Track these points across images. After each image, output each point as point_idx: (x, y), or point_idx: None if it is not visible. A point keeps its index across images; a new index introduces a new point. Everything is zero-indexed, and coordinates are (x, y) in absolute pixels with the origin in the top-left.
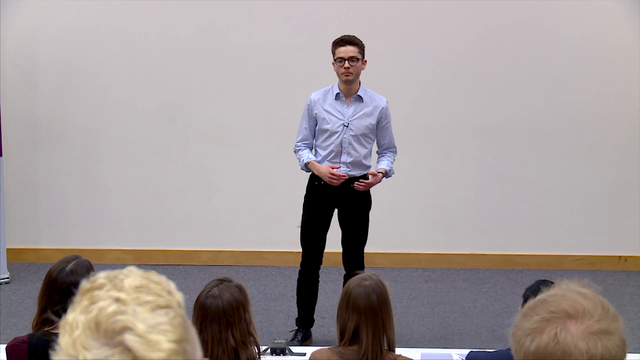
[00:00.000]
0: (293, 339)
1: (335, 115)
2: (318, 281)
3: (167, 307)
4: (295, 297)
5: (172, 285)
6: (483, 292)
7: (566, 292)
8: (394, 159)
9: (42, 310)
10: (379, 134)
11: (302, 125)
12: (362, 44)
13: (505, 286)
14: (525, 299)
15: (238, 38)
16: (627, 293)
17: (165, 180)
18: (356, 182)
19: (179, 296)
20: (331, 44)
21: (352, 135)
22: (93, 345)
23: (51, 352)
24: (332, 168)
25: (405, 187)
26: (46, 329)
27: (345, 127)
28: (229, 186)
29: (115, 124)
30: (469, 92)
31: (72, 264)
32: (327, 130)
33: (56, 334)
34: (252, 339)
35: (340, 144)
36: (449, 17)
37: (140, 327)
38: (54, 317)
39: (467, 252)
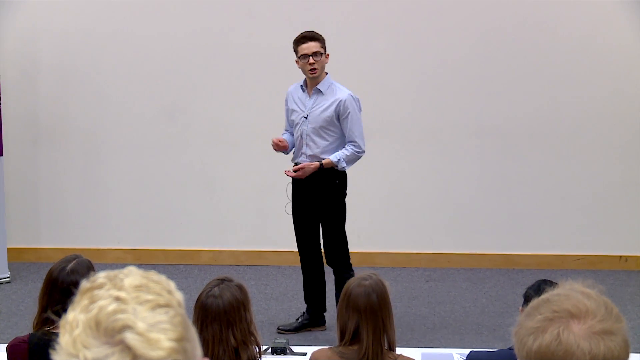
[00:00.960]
0: (298, 319)
1: (299, 106)
2: (322, 266)
3: (167, 306)
4: (299, 295)
5: (172, 285)
6: (484, 291)
7: (570, 292)
8: (351, 154)
9: (43, 309)
10: (342, 126)
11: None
12: (323, 39)
13: (506, 286)
14: (526, 298)
15: (238, 37)
16: (627, 293)
17: (165, 179)
18: (286, 171)
19: (178, 295)
20: (292, 42)
21: (310, 127)
22: (93, 344)
23: (51, 352)
24: (280, 141)
25: (405, 187)
26: (47, 328)
27: (304, 119)
28: (230, 186)
29: (115, 123)
30: (469, 91)
31: (72, 263)
32: (293, 120)
33: (57, 334)
34: (252, 338)
35: (301, 135)
36: (450, 17)
37: (141, 325)
38: (54, 317)
39: (468, 252)
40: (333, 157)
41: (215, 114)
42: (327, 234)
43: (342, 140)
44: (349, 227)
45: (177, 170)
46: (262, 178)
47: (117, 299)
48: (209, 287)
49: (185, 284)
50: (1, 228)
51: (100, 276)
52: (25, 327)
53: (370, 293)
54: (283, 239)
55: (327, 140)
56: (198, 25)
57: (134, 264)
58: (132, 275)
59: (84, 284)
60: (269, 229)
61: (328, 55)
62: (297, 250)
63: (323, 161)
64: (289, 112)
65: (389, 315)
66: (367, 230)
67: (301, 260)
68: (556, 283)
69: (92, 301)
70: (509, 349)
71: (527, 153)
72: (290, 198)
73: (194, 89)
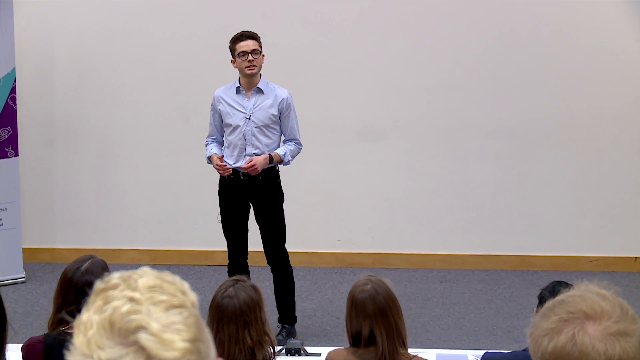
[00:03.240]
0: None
1: (237, 108)
2: (249, 272)
3: (181, 306)
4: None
5: (185, 285)
6: (498, 293)
7: (585, 293)
8: (295, 149)
9: (58, 309)
10: (282, 124)
11: (210, 121)
12: (260, 38)
13: (521, 287)
14: (541, 299)
15: None
16: None
17: (180, 180)
18: (241, 166)
19: (192, 296)
20: (229, 41)
21: (255, 127)
22: (107, 345)
23: (66, 352)
24: (219, 159)
25: (420, 188)
26: (62, 328)
27: (247, 120)
28: None
29: (131, 124)
30: (484, 93)
31: (87, 263)
32: (230, 124)
33: (72, 334)
34: (267, 338)
35: (244, 136)
36: (464, 18)
37: (154, 326)
38: (68, 318)
39: (482, 253)
40: (280, 152)
41: None
42: (273, 232)
43: (280, 138)
44: (363, 228)
45: (192, 170)
46: None
47: (131, 299)
48: (224, 287)
49: (199, 284)
50: (17, 228)
51: (114, 277)
52: (40, 327)
53: (375, 296)
54: (295, 239)
55: (271, 139)
56: (213, 26)
57: (149, 265)
58: (146, 276)
59: (98, 284)
60: None
61: (264, 55)
62: (309, 250)
63: (272, 153)
64: (221, 115)
65: (398, 310)
66: (381, 231)
67: (230, 264)
68: (571, 284)
69: (106, 302)
70: (524, 350)
71: (542, 154)
72: (220, 199)
73: (208, 90)
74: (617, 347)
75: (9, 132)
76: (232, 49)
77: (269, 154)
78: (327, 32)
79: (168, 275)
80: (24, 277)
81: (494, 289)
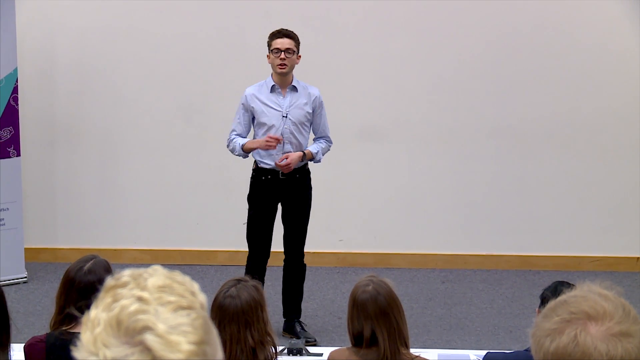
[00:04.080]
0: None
1: (273, 107)
2: (264, 273)
3: (189, 308)
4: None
5: (195, 286)
6: (500, 293)
7: (587, 294)
8: (325, 147)
9: (60, 309)
10: (314, 122)
11: (236, 120)
12: (299, 39)
13: (523, 287)
14: (543, 300)
15: (255, 38)
16: None
17: (182, 180)
18: (275, 162)
19: (202, 297)
20: (268, 36)
21: (292, 125)
22: (113, 344)
23: (72, 348)
24: (270, 138)
25: (421, 188)
26: (64, 328)
27: (284, 118)
28: (246, 186)
29: (132, 124)
30: (486, 93)
31: (89, 263)
32: (265, 123)
33: (74, 333)
34: (269, 338)
35: (282, 134)
36: (466, 18)
37: (161, 327)
38: (76, 313)
39: (484, 253)
40: (312, 149)
41: (231, 114)
42: (299, 233)
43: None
44: (365, 228)
45: (194, 170)
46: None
47: (140, 299)
48: (226, 287)
49: (201, 284)
50: (19, 228)
51: (125, 274)
52: (42, 327)
53: (376, 296)
54: None
55: (305, 137)
56: (215, 26)
57: (151, 264)
58: (156, 275)
59: (109, 281)
60: None
61: (300, 56)
62: (314, 250)
63: (305, 151)
64: (255, 115)
65: (400, 310)
66: (383, 231)
67: (252, 268)
68: (573, 285)
69: (115, 300)
70: (526, 350)
71: (544, 154)
72: (253, 201)
73: (210, 90)
74: (620, 347)
75: (11, 132)
76: (269, 44)
77: (302, 151)
78: (327, 32)
79: (178, 276)
80: (25, 277)
81: (495, 289)
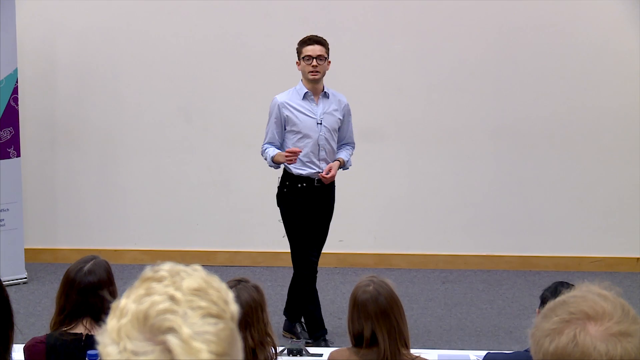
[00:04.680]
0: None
1: (307, 114)
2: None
3: (218, 317)
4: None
5: (230, 296)
6: (500, 293)
7: (586, 294)
8: (351, 153)
9: (60, 310)
10: (341, 128)
11: (269, 128)
12: (328, 45)
13: (523, 288)
14: (543, 300)
15: (255, 39)
16: None
17: (182, 180)
18: (321, 175)
19: (234, 308)
20: (297, 43)
21: (327, 132)
22: (136, 337)
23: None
24: (289, 152)
25: (422, 188)
26: (64, 328)
27: (319, 125)
28: (246, 187)
29: (132, 124)
30: (486, 93)
31: (89, 264)
32: (299, 131)
33: (74, 334)
34: (269, 339)
35: (317, 142)
36: (466, 18)
37: (186, 331)
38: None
39: (485, 254)
40: (344, 156)
41: (231, 115)
42: (322, 239)
43: None
44: (365, 229)
45: (194, 171)
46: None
47: (172, 298)
48: None
49: None
50: (19, 229)
51: (164, 268)
52: (42, 328)
53: (377, 296)
54: None
55: (336, 143)
56: (215, 27)
57: (151, 265)
58: (193, 277)
59: (147, 271)
60: None
61: (330, 62)
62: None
63: (339, 158)
64: (287, 122)
65: (400, 311)
66: (383, 232)
67: (309, 274)
68: (573, 285)
69: (147, 294)
70: (526, 350)
71: (544, 154)
72: (290, 211)
73: (210, 91)
74: (619, 347)
75: (11, 132)
76: (299, 52)
77: (339, 160)
78: (327, 32)
79: (216, 281)
80: (26, 278)
81: (496, 290)
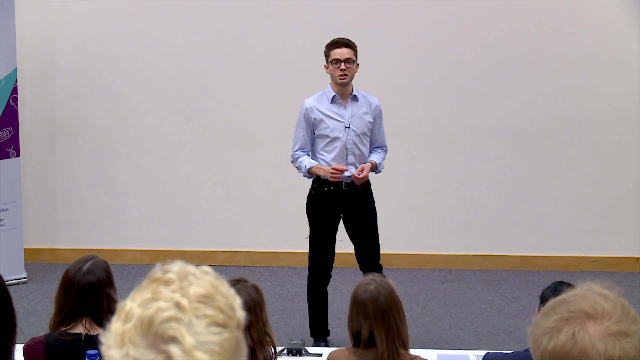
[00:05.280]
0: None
1: (335, 118)
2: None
3: (223, 326)
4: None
5: (237, 302)
6: (500, 293)
7: (587, 293)
8: (384, 156)
9: (59, 310)
10: (373, 131)
11: (299, 133)
12: (356, 47)
13: (522, 287)
14: (542, 300)
15: (254, 39)
16: None
17: (181, 180)
18: (353, 175)
19: (240, 315)
20: (325, 46)
21: (355, 136)
22: (139, 344)
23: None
24: (335, 170)
25: (421, 188)
26: (63, 328)
27: (347, 129)
28: (245, 187)
29: (132, 124)
30: (485, 93)
31: (88, 264)
32: (327, 135)
33: (73, 334)
34: (268, 339)
35: (345, 146)
36: (465, 17)
37: (189, 341)
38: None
39: (484, 253)
40: (376, 159)
41: (231, 115)
42: (371, 247)
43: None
44: None
45: (193, 171)
46: (278, 179)
47: (177, 305)
48: None
49: None
50: (18, 228)
51: (173, 270)
52: (41, 328)
53: (377, 296)
54: (299, 240)
55: (367, 147)
56: (215, 27)
57: (150, 265)
58: (202, 281)
59: (155, 271)
60: (285, 229)
61: (358, 64)
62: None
63: (371, 161)
64: (316, 126)
65: (400, 312)
66: (382, 232)
67: (318, 282)
68: (573, 285)
69: (154, 298)
70: (525, 350)
71: (543, 154)
72: (315, 214)
73: (210, 90)
74: (617, 347)
75: (10, 132)
76: (327, 55)
77: (370, 162)
78: (328, 32)
79: (224, 286)
80: (25, 278)
81: (495, 290)
